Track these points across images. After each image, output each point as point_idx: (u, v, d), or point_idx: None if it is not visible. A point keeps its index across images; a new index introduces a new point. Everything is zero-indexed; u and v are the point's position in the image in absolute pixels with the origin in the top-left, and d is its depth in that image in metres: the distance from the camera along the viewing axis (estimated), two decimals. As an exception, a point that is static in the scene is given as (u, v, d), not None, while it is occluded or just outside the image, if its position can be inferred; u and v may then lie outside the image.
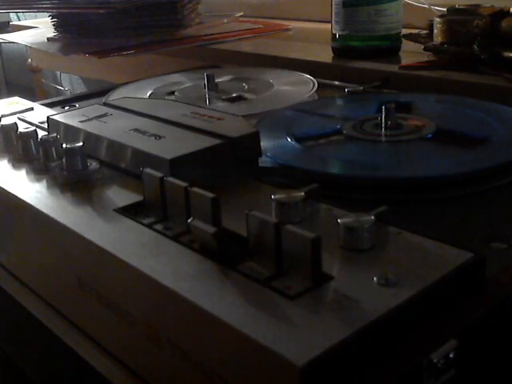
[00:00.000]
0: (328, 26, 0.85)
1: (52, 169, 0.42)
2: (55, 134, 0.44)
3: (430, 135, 0.51)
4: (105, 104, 0.53)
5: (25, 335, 0.47)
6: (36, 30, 1.24)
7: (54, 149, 0.44)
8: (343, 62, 0.82)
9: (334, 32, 0.84)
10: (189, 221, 0.31)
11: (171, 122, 0.45)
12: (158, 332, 0.30)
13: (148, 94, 0.71)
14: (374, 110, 0.56)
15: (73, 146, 0.41)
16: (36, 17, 1.73)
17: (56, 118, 0.49)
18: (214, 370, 0.27)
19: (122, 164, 0.42)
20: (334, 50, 0.85)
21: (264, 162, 0.46)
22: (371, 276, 0.29)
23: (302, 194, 0.34)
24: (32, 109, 0.59)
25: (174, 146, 0.41)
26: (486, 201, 0.42)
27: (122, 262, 0.31)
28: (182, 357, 0.29)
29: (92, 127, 0.46)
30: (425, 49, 0.79)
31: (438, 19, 0.78)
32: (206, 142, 0.41)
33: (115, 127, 0.45)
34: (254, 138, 0.42)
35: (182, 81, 0.76)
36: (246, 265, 0.30)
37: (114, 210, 0.37)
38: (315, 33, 1.05)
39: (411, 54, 0.81)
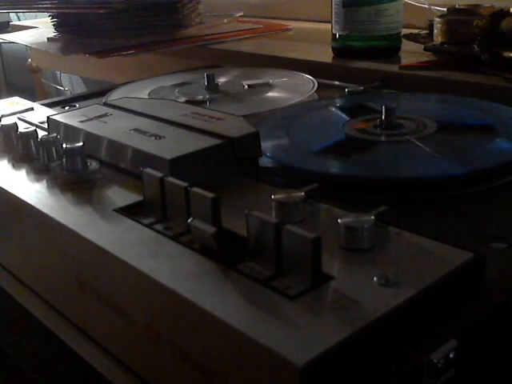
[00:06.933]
0: (328, 26, 0.85)
1: (52, 169, 0.42)
2: (55, 134, 0.44)
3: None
4: (105, 104, 0.53)
5: (25, 335, 0.47)
6: (36, 29, 1.24)
7: (54, 149, 0.44)
8: (343, 62, 0.82)
9: (334, 32, 0.84)
10: (189, 221, 0.31)
11: (171, 122, 0.45)
12: (158, 332, 0.30)
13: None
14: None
15: (73, 145, 0.41)
16: (36, 17, 1.73)
17: (56, 117, 0.49)
18: (214, 370, 0.27)
19: (122, 164, 0.42)
20: (333, 50, 0.85)
21: (264, 162, 0.46)
22: (371, 276, 0.29)
23: (302, 194, 0.34)
24: (32, 109, 0.59)
25: (174, 145, 0.41)
26: (485, 201, 0.42)
27: (122, 261, 0.31)
28: (182, 357, 0.29)
29: (92, 127, 0.46)
30: (425, 49, 0.79)
31: (438, 19, 0.78)
32: (206, 142, 0.41)
33: (115, 127, 0.45)
34: (254, 138, 0.42)
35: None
36: (246, 265, 0.30)
37: (114, 210, 0.37)
38: (315, 33, 1.05)
39: (411, 53, 0.81)
